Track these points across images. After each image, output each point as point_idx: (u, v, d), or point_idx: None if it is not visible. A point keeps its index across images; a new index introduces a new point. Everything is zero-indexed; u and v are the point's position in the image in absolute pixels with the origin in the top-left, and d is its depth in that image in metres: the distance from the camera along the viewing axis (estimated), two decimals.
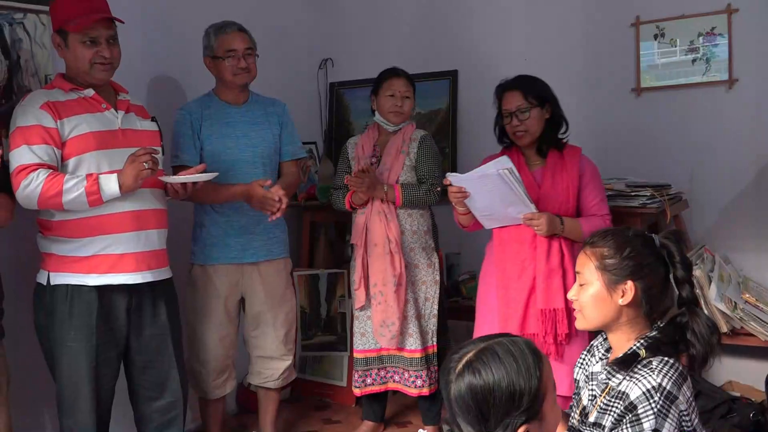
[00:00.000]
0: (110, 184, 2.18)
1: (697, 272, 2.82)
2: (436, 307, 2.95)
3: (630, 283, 1.71)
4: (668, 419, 1.59)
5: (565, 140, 2.66)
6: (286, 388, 3.26)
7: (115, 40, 2.31)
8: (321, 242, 3.78)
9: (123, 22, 2.32)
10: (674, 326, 1.72)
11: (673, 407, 1.59)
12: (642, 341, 1.71)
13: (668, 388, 1.60)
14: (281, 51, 3.73)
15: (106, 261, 2.23)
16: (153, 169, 2.21)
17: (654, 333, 1.72)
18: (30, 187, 2.11)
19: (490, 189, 2.44)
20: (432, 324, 2.95)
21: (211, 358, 2.77)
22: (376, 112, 3.01)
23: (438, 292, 2.96)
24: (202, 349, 2.77)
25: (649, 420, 1.58)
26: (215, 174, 2.46)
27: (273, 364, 2.91)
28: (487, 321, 2.68)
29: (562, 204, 2.55)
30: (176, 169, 2.64)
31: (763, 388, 2.76)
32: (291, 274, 3.02)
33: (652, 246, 1.73)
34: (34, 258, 2.33)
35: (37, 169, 2.12)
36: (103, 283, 2.23)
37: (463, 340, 2.91)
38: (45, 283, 2.23)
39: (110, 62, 2.29)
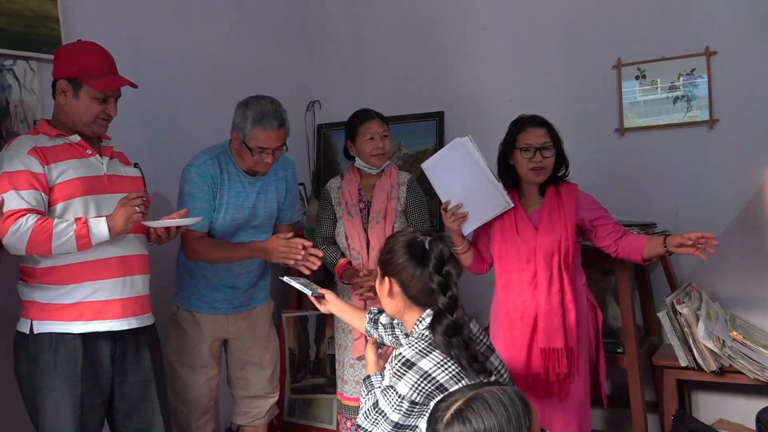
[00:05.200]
0: (100, 227, 2.17)
1: (684, 310, 2.83)
2: None
3: (387, 279, 1.98)
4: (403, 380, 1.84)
5: (565, 179, 2.76)
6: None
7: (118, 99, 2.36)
8: None
9: (137, 87, 2.35)
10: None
11: (410, 372, 1.83)
12: (417, 322, 1.95)
13: (407, 355, 1.86)
14: (269, 93, 3.72)
15: (92, 308, 2.21)
16: (144, 213, 2.22)
17: (428, 312, 1.94)
18: (19, 232, 2.09)
19: (460, 170, 2.59)
20: None
21: (195, 398, 2.75)
22: (357, 158, 2.99)
23: None
24: (186, 390, 2.74)
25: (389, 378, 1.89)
26: (199, 219, 2.46)
27: (259, 403, 2.90)
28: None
29: (562, 242, 2.59)
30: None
31: (753, 426, 2.75)
32: (276, 314, 3.02)
33: (411, 249, 1.94)
34: (13, 306, 2.30)
35: (26, 214, 2.11)
36: (88, 331, 2.21)
37: None
38: (27, 332, 2.20)
39: (111, 119, 2.33)
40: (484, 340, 2.03)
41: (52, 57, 2.63)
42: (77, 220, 2.16)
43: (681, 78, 3.24)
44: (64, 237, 2.12)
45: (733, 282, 3.18)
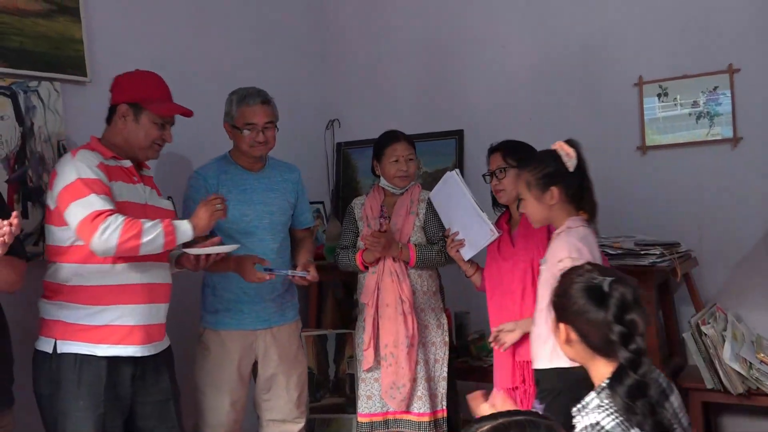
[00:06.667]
0: (184, 226, 2.24)
1: (709, 331, 2.79)
2: (445, 369, 2.92)
3: (562, 326, 1.74)
4: None
5: None
6: None
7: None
8: (329, 302, 3.76)
9: (192, 115, 2.44)
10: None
11: None
12: (611, 378, 1.66)
13: (606, 427, 1.56)
14: (288, 112, 3.75)
15: (118, 332, 2.23)
16: (224, 211, 2.30)
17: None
18: (110, 229, 2.11)
19: (454, 201, 2.67)
20: (442, 387, 2.90)
21: (222, 423, 2.73)
22: (381, 177, 3.03)
23: (447, 353, 2.93)
24: (213, 414, 2.73)
25: None
26: (236, 246, 2.49)
27: (285, 428, 2.87)
28: None
29: (534, 257, 2.61)
30: None
31: None
32: (300, 335, 3.01)
33: (588, 293, 1.69)
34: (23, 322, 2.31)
35: (113, 213, 2.15)
36: (112, 355, 2.22)
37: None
38: (50, 352, 2.21)
39: (164, 145, 2.40)
40: (681, 418, 1.80)
41: (75, 78, 2.70)
42: (161, 220, 2.21)
43: (703, 95, 3.21)
44: (153, 233, 2.16)
45: (759, 301, 3.13)
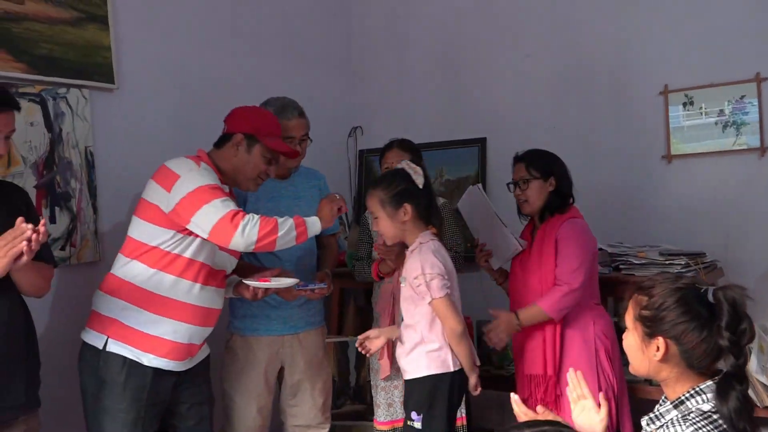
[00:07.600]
0: (312, 219, 2.34)
1: None
2: None
3: (661, 339, 1.59)
4: None
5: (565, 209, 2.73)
6: None
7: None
8: (350, 309, 3.77)
9: (297, 155, 2.63)
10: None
11: None
12: (692, 392, 1.59)
13: None
14: (312, 119, 3.76)
15: (166, 346, 2.28)
16: (343, 201, 2.45)
17: (708, 384, 1.58)
18: (249, 225, 2.19)
19: (480, 213, 2.70)
20: None
21: (249, 428, 2.75)
22: None
23: None
24: (241, 420, 2.74)
25: None
26: (296, 281, 2.53)
27: None
28: None
29: (545, 274, 2.62)
30: None
31: None
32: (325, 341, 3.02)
33: (692, 303, 1.58)
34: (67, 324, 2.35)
35: (248, 213, 2.23)
36: (155, 366, 2.27)
37: (492, 411, 2.87)
38: (100, 348, 2.24)
39: (264, 180, 2.48)
40: None
41: (103, 85, 2.74)
42: (290, 216, 2.32)
43: (729, 104, 3.18)
44: (286, 227, 2.26)
45: None
